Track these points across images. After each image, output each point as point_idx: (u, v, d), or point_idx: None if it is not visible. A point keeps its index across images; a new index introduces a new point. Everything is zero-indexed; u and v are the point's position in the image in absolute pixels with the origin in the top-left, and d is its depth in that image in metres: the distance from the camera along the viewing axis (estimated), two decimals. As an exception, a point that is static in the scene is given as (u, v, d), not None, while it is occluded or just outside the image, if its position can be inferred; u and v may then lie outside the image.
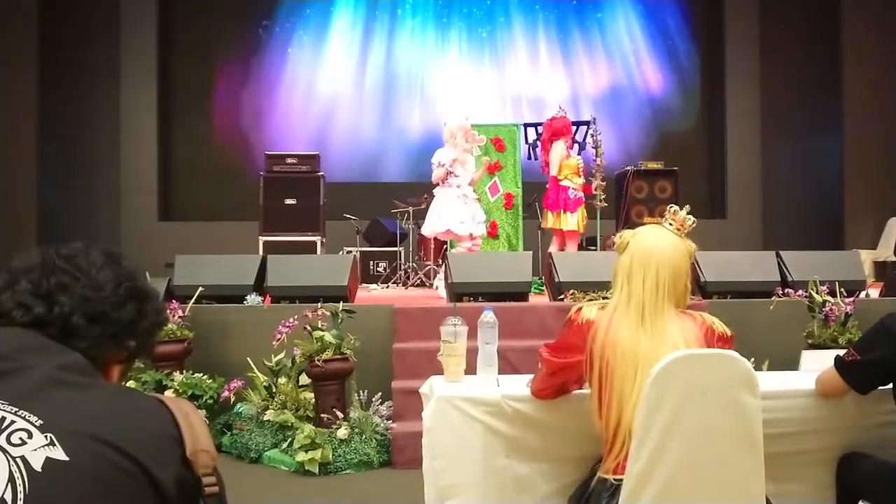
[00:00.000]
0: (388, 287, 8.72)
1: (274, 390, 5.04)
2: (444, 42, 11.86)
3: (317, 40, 11.70)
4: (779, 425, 2.45)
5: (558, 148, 7.68)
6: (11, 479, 0.97)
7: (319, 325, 4.89)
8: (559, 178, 7.60)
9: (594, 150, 8.29)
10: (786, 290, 5.59)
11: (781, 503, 2.35)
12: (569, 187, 7.59)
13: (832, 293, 5.16)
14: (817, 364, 2.73)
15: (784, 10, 11.24)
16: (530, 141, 9.24)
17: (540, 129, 8.99)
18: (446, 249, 8.23)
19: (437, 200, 7.31)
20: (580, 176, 7.69)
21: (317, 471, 4.48)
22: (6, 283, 1.17)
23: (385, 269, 9.10)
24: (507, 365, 4.14)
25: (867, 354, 2.43)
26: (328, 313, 4.96)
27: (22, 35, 9.37)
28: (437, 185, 7.28)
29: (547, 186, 7.76)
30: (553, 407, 2.47)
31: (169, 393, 4.91)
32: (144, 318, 1.23)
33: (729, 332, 2.29)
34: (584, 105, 11.09)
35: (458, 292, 5.81)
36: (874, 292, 6.34)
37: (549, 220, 7.69)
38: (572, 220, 7.56)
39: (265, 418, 4.90)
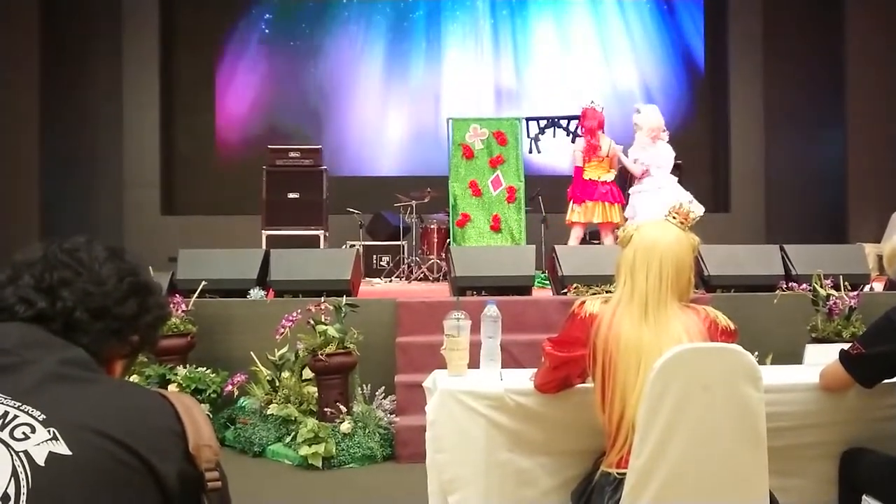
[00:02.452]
0: (391, 281, 8.72)
1: (277, 384, 5.04)
2: (446, 34, 11.82)
3: (319, 33, 11.68)
4: (782, 419, 2.44)
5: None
6: (15, 474, 0.97)
7: (322, 320, 4.89)
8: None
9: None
10: (790, 284, 5.59)
11: (784, 497, 2.34)
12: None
13: (836, 287, 5.16)
14: (821, 358, 2.72)
15: (788, 4, 11.20)
16: (532, 135, 9.21)
17: (542, 122, 8.98)
18: (448, 244, 8.23)
19: (638, 206, 6.97)
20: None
21: (320, 465, 4.49)
22: (9, 278, 1.17)
23: (388, 263, 9.09)
24: (510, 359, 4.15)
25: (872, 348, 2.42)
26: (331, 307, 4.96)
27: (24, 30, 9.38)
28: (632, 183, 7.20)
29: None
30: (556, 401, 2.47)
31: (172, 387, 4.92)
32: (147, 313, 1.23)
33: (732, 326, 2.28)
34: (587, 98, 11.03)
35: (461, 286, 5.81)
36: (878, 286, 6.33)
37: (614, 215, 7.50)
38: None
39: (268, 412, 4.91)
